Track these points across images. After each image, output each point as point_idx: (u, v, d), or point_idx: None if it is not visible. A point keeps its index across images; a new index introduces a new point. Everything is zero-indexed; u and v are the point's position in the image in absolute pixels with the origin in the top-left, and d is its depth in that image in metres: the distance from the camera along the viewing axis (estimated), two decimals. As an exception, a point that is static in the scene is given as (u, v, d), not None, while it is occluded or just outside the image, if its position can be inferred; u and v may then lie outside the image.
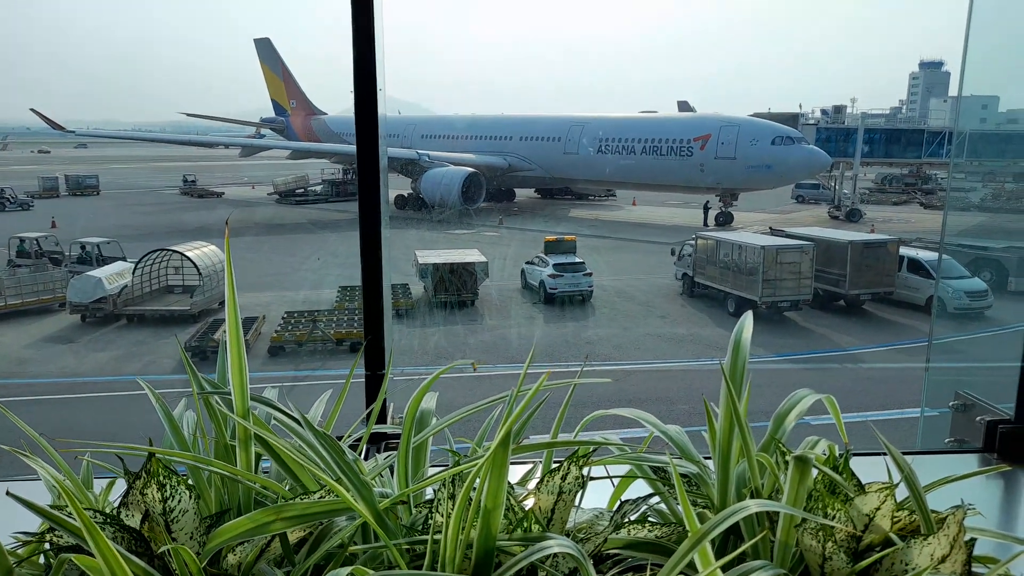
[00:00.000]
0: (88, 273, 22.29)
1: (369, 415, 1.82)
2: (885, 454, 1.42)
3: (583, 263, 24.21)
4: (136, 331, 21.04)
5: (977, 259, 22.47)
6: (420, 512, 1.37)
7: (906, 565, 1.19)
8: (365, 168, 2.48)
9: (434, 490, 1.30)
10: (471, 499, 1.19)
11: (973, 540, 1.21)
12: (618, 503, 1.48)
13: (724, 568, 1.15)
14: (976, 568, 1.28)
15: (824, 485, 1.29)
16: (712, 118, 40.95)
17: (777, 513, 1.26)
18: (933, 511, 1.29)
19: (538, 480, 1.36)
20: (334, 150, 51.18)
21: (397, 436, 1.65)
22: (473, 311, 22.86)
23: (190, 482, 1.34)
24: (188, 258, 22.98)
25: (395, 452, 1.51)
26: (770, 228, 29.74)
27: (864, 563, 1.21)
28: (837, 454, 1.46)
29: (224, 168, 68.65)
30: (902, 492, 1.32)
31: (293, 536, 1.29)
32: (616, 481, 1.63)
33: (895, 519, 1.29)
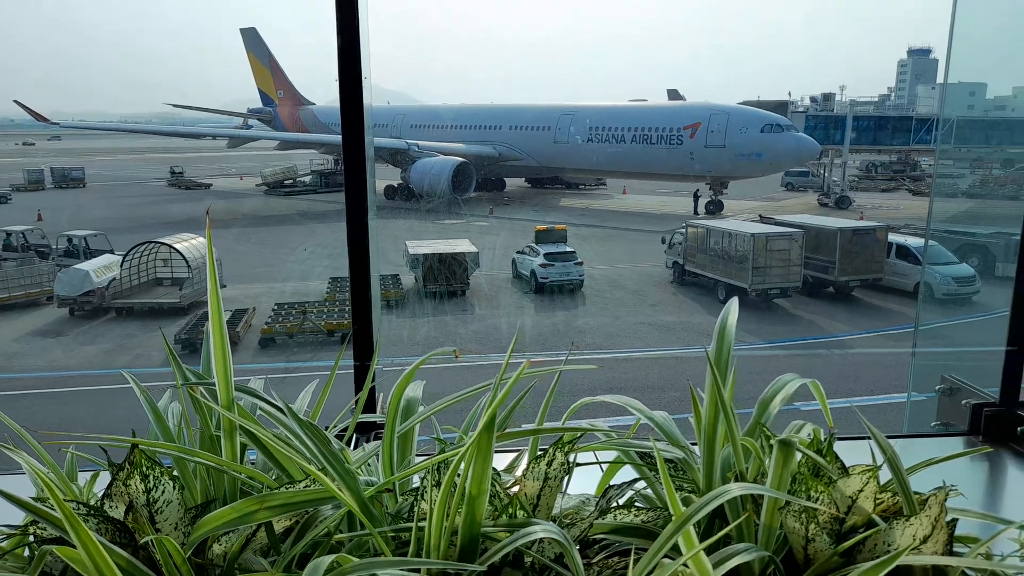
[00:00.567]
0: (75, 266, 22.11)
1: (357, 405, 1.82)
2: (870, 438, 1.44)
3: (574, 252, 24.23)
4: (125, 324, 20.91)
5: (964, 245, 22.66)
6: (406, 500, 1.38)
7: (888, 546, 1.20)
8: (351, 158, 2.46)
9: (420, 478, 1.30)
10: (456, 486, 1.19)
11: (955, 520, 1.23)
12: (604, 489, 1.49)
13: (709, 551, 1.16)
14: (958, 548, 1.30)
15: (808, 468, 1.30)
16: (702, 106, 40.93)
17: (762, 496, 1.27)
18: (916, 493, 1.31)
19: (524, 467, 1.36)
20: (322, 140, 50.89)
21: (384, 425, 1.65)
22: (464, 301, 22.86)
23: (175, 473, 1.34)
24: (176, 250, 22.84)
25: (382, 441, 1.51)
26: (760, 216, 29.84)
27: (847, 544, 1.22)
28: (822, 438, 1.48)
29: (211, 159, 68.09)
30: (887, 475, 1.33)
31: (279, 525, 1.29)
32: (605, 467, 1.64)
33: (878, 501, 1.30)
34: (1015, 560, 1.31)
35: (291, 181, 51.36)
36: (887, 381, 14.88)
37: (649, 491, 1.52)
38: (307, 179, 52.01)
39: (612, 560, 1.30)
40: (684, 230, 25.07)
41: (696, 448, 1.50)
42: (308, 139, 53.61)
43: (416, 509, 1.23)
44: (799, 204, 42.15)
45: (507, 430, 1.51)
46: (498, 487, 1.28)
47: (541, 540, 1.22)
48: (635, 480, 1.50)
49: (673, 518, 1.16)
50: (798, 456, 1.29)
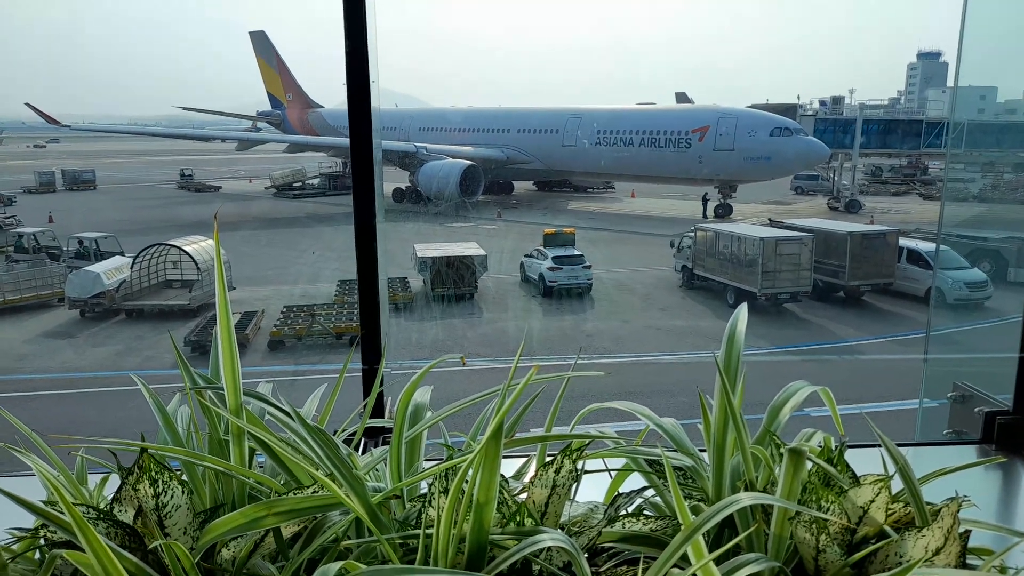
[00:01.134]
0: (86, 268, 22.26)
1: (365, 409, 1.81)
2: (881, 446, 1.42)
3: (582, 255, 24.20)
4: (135, 326, 21.03)
5: (976, 249, 22.49)
6: (414, 506, 1.37)
7: (900, 557, 1.19)
8: (359, 161, 2.47)
9: (427, 484, 1.30)
10: (464, 493, 1.19)
11: (968, 532, 1.21)
12: (613, 496, 1.48)
13: (719, 561, 1.15)
14: (971, 560, 1.28)
15: (819, 477, 1.29)
16: (710, 109, 40.82)
17: (772, 505, 1.26)
18: (929, 503, 1.29)
19: (532, 474, 1.36)
20: (330, 143, 51.04)
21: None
22: (472, 304, 22.86)
23: (184, 477, 1.34)
24: (186, 252, 22.96)
25: (389, 447, 1.51)
26: (769, 219, 29.72)
27: (858, 555, 1.21)
28: (833, 446, 1.46)
29: (221, 162, 68.43)
30: (899, 485, 1.32)
31: (288, 531, 1.29)
32: (614, 474, 1.63)
33: (890, 511, 1.28)
34: (1029, 572, 1.29)
35: (300, 184, 51.55)
36: (898, 387, 14.77)
37: (658, 499, 1.52)
38: (315, 182, 52.18)
39: (621, 569, 1.30)
40: (693, 234, 24.99)
41: (705, 455, 1.49)
42: (316, 142, 53.77)
43: (424, 516, 1.23)
44: (809, 208, 41.97)
45: (515, 436, 1.51)
46: (506, 494, 1.27)
47: (549, 548, 1.21)
48: (644, 488, 1.49)
49: (682, 527, 1.15)
50: (809, 465, 1.28)
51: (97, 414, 14.52)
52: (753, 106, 43.57)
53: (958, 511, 1.20)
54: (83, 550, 1.06)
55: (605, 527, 1.33)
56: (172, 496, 1.22)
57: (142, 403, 1.59)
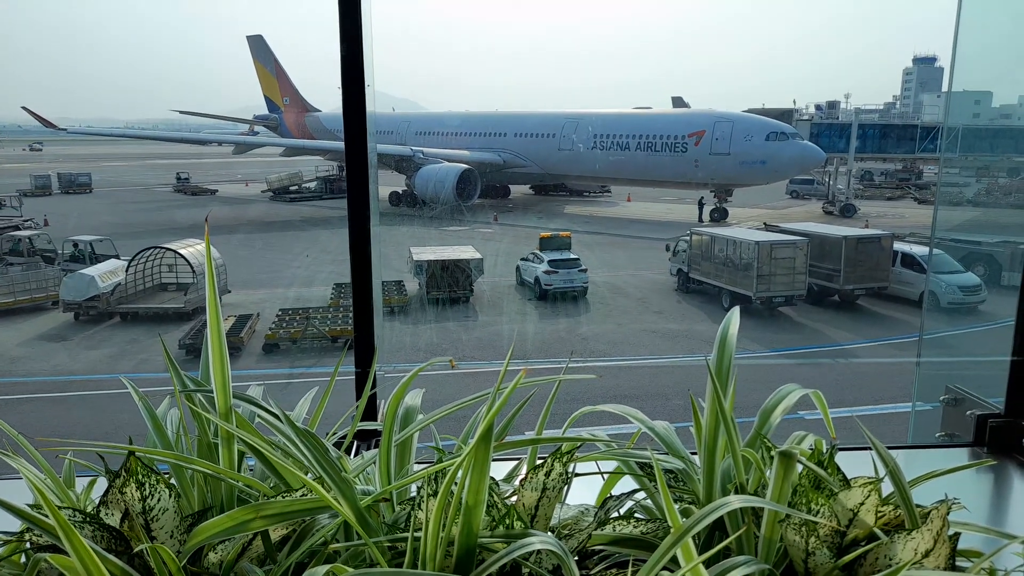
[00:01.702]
0: (81, 271, 22.20)
1: (359, 413, 1.81)
2: (872, 449, 1.42)
3: (578, 259, 24.23)
4: (130, 329, 20.97)
5: (970, 254, 22.57)
6: (403, 509, 1.37)
7: (890, 560, 1.19)
8: (354, 164, 2.47)
9: (417, 487, 1.29)
10: (453, 495, 1.18)
11: (957, 534, 1.21)
12: (603, 500, 1.48)
13: (708, 563, 1.14)
14: (961, 562, 1.28)
15: (809, 480, 1.28)
16: (706, 114, 40.95)
17: (763, 508, 1.26)
18: (919, 505, 1.29)
19: (522, 477, 1.35)
20: (327, 147, 51.03)
21: None
22: (467, 307, 22.85)
23: (172, 481, 1.33)
24: (181, 255, 22.91)
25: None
26: (764, 224, 29.77)
27: (847, 558, 1.21)
28: (824, 449, 1.46)
29: (217, 165, 68.37)
30: (889, 487, 1.32)
31: (276, 534, 1.28)
32: (606, 477, 1.63)
33: (880, 514, 1.28)
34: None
35: (296, 187, 51.52)
36: (891, 390, 14.80)
37: (649, 502, 1.51)
38: (312, 185, 52.17)
39: (611, 572, 1.29)
40: (688, 237, 25.04)
41: (696, 458, 1.49)
42: (313, 145, 53.75)
43: (413, 519, 1.22)
44: (804, 212, 42.07)
45: (506, 439, 1.51)
46: (496, 497, 1.27)
47: (539, 551, 1.20)
48: (635, 491, 1.49)
49: (672, 530, 1.14)
50: (799, 468, 1.28)
51: (90, 418, 14.46)
52: (749, 110, 43.71)
53: (948, 513, 1.20)
54: (68, 554, 1.05)
55: (595, 530, 1.33)
56: (159, 499, 1.21)
57: (136, 407, 1.58)
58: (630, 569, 1.12)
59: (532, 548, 1.15)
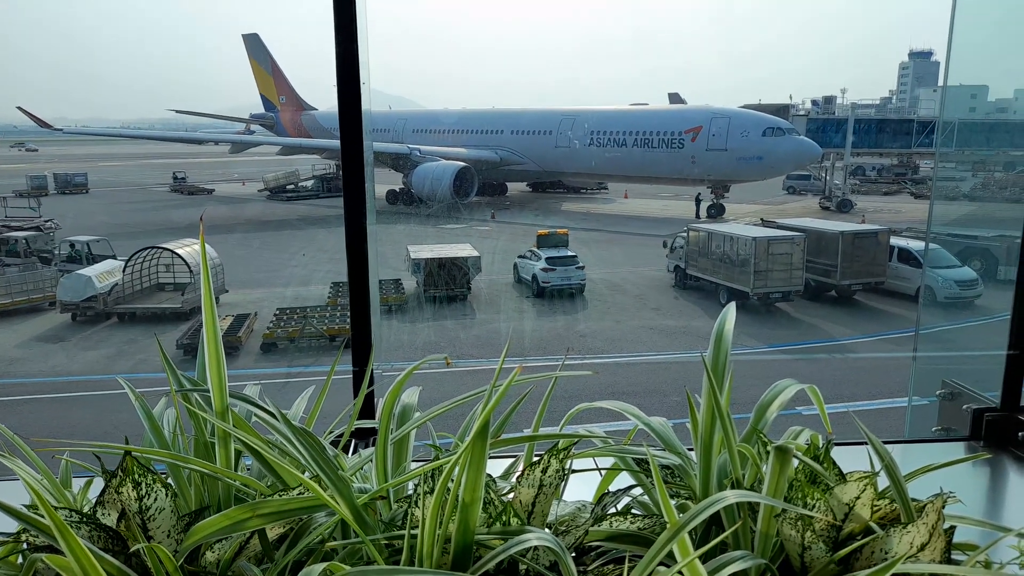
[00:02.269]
0: (78, 272, 22.15)
1: (356, 411, 1.81)
2: (868, 444, 1.43)
3: (575, 256, 24.23)
4: (127, 329, 20.94)
5: (967, 248, 22.62)
6: (400, 507, 1.37)
7: (886, 553, 1.19)
8: (349, 162, 2.46)
9: (414, 485, 1.30)
10: (449, 492, 1.18)
11: (953, 528, 1.22)
12: (600, 496, 1.48)
13: (705, 558, 1.15)
14: (956, 555, 1.29)
15: (805, 475, 1.29)
16: (703, 110, 40.93)
17: (759, 503, 1.26)
18: (914, 499, 1.30)
19: (519, 474, 1.35)
20: (323, 145, 50.95)
21: None
22: (465, 305, 22.85)
23: (169, 480, 1.33)
24: (178, 255, 22.87)
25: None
26: (761, 219, 29.81)
27: (843, 552, 1.21)
28: (820, 444, 1.47)
29: (214, 165, 68.22)
30: (885, 482, 1.32)
31: (273, 533, 1.28)
32: (603, 473, 1.63)
33: (875, 508, 1.29)
34: (1014, 568, 1.30)
35: (293, 186, 51.44)
36: (888, 386, 14.84)
37: (646, 498, 1.52)
38: (309, 184, 52.09)
39: (608, 567, 1.30)
40: (686, 234, 25.06)
41: (693, 454, 1.49)
42: (309, 144, 53.67)
43: (410, 516, 1.22)
44: (801, 207, 42.12)
45: (502, 436, 1.51)
46: (492, 494, 1.27)
47: (536, 548, 1.21)
48: (631, 487, 1.49)
49: (668, 525, 1.15)
50: (795, 463, 1.28)
51: (89, 418, 14.44)
52: (745, 106, 43.73)
53: (943, 507, 1.20)
54: (64, 554, 1.05)
55: (592, 526, 1.33)
56: (156, 499, 1.21)
57: (132, 407, 1.58)
58: (627, 565, 1.12)
59: (529, 545, 1.15)
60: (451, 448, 1.55)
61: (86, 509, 1.31)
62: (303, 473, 1.30)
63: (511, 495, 1.34)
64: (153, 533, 1.21)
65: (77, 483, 1.58)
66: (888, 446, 1.41)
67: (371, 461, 1.52)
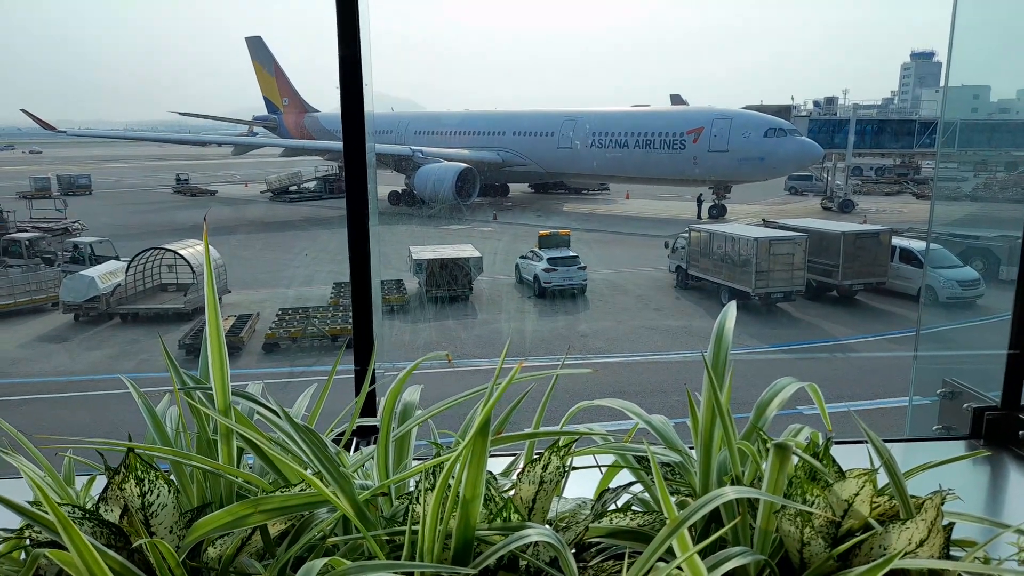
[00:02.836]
0: (81, 272, 22.19)
1: (357, 409, 1.82)
2: (868, 442, 1.43)
3: (577, 257, 24.24)
4: (130, 330, 20.98)
5: (969, 248, 22.59)
6: (401, 504, 1.38)
7: (884, 549, 1.20)
8: (352, 163, 2.48)
9: (415, 481, 1.30)
10: (450, 489, 1.19)
11: (952, 524, 1.22)
12: (600, 493, 1.49)
13: (705, 555, 1.15)
14: (955, 551, 1.29)
15: (805, 472, 1.29)
16: (705, 111, 40.93)
17: (759, 500, 1.26)
18: (914, 496, 1.30)
19: (519, 471, 1.36)
20: (326, 147, 50.96)
21: None
22: (467, 306, 22.87)
23: (172, 477, 1.34)
24: (181, 256, 22.92)
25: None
26: (763, 220, 29.80)
27: (842, 548, 1.22)
28: (820, 442, 1.47)
29: (217, 167, 68.30)
30: (885, 479, 1.33)
31: (275, 529, 1.29)
32: (603, 471, 1.63)
33: (875, 505, 1.29)
34: (1012, 564, 1.30)
35: (296, 187, 51.50)
36: (889, 385, 14.82)
37: (646, 495, 1.52)
38: (311, 185, 52.14)
39: (608, 564, 1.30)
40: (687, 234, 25.05)
41: (694, 452, 1.50)
42: (312, 146, 53.72)
43: (411, 513, 1.23)
44: (802, 208, 42.07)
45: (503, 434, 1.51)
46: (493, 491, 1.28)
47: (536, 543, 1.21)
48: (631, 483, 1.50)
49: (668, 521, 1.15)
50: (795, 460, 1.28)
51: (92, 418, 14.47)
52: (747, 107, 43.71)
53: (942, 504, 1.21)
54: (67, 549, 1.06)
55: (592, 522, 1.34)
56: (158, 495, 1.22)
57: (135, 406, 1.59)
58: (626, 561, 1.13)
59: (529, 540, 1.16)
60: (452, 446, 1.56)
61: (89, 506, 1.32)
62: (305, 470, 1.31)
63: (512, 492, 1.34)
64: (155, 529, 1.22)
65: (80, 481, 1.59)
66: (888, 444, 1.41)
67: (372, 458, 1.53)
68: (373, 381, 2.05)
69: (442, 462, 1.25)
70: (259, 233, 35.37)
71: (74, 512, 1.19)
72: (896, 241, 23.89)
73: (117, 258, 24.61)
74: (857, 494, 1.25)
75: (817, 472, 1.29)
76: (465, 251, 24.29)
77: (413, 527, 1.20)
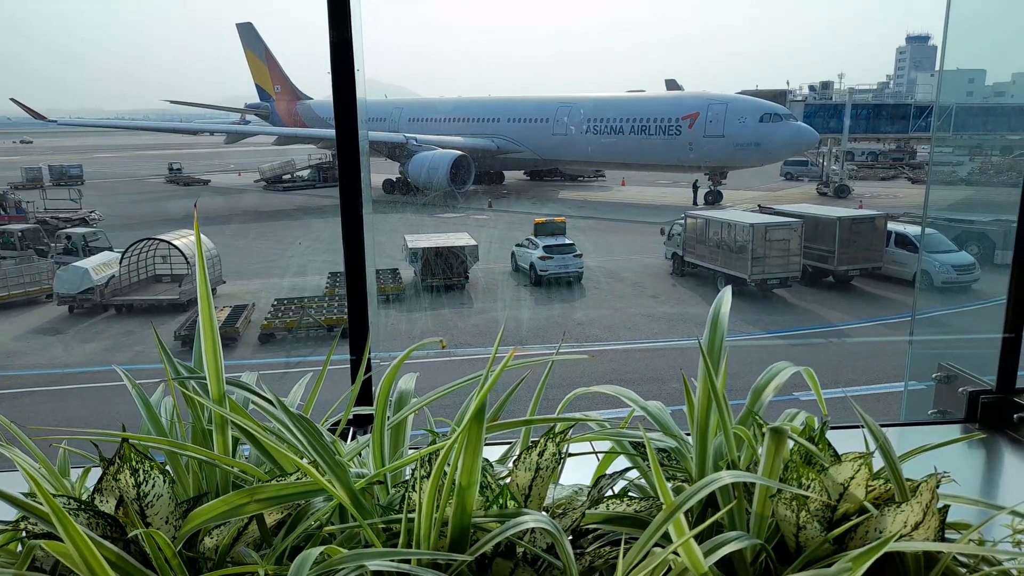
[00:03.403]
0: (74, 264, 22.10)
1: (353, 398, 1.82)
2: (864, 426, 1.44)
3: (573, 244, 24.23)
4: (125, 321, 20.93)
5: (964, 232, 22.62)
6: (398, 492, 1.38)
7: (880, 532, 1.20)
8: (345, 151, 2.46)
9: (411, 470, 1.30)
10: (446, 476, 1.19)
11: (947, 507, 1.23)
12: (596, 479, 1.49)
13: (701, 539, 1.16)
14: (950, 534, 1.30)
15: (800, 456, 1.30)
16: (700, 96, 40.80)
17: (754, 484, 1.27)
18: (909, 480, 1.31)
19: (516, 458, 1.36)
20: (319, 135, 50.72)
21: None
22: (463, 294, 22.86)
23: (167, 467, 1.34)
24: (175, 247, 22.83)
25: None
26: (759, 206, 29.79)
27: (838, 531, 1.22)
28: (815, 426, 1.47)
29: (209, 155, 67.94)
30: (881, 463, 1.33)
31: (271, 518, 1.29)
32: (600, 457, 1.64)
33: (870, 488, 1.30)
34: (1007, 545, 1.31)
35: (289, 176, 51.28)
36: (885, 370, 14.90)
37: (643, 481, 1.52)
38: (305, 174, 51.93)
39: (604, 549, 1.30)
40: (683, 221, 25.04)
41: (690, 438, 1.50)
42: (305, 134, 53.42)
43: (407, 500, 1.23)
44: (798, 193, 42.09)
45: (499, 421, 1.51)
46: (489, 478, 1.28)
47: (533, 530, 1.21)
48: (627, 469, 1.50)
49: (664, 507, 1.15)
50: (790, 444, 1.29)
51: (87, 410, 14.46)
52: (743, 92, 43.60)
53: (937, 487, 1.21)
54: (63, 541, 1.06)
55: (589, 509, 1.34)
56: (153, 485, 1.22)
57: (132, 398, 1.59)
58: (623, 547, 1.13)
59: (525, 527, 1.16)
60: (448, 434, 1.56)
61: (84, 497, 1.31)
62: (301, 459, 1.31)
63: (508, 479, 1.34)
64: (151, 519, 1.21)
65: (75, 472, 1.58)
66: (884, 428, 1.41)
67: (368, 447, 1.53)
68: (368, 370, 2.04)
69: (437, 449, 1.25)
70: (253, 223, 35.23)
71: (69, 503, 1.19)
72: (892, 226, 23.93)
73: (111, 249, 24.51)
74: (852, 478, 1.25)
75: (813, 456, 1.30)
76: (461, 239, 24.26)
77: (409, 515, 1.20)
